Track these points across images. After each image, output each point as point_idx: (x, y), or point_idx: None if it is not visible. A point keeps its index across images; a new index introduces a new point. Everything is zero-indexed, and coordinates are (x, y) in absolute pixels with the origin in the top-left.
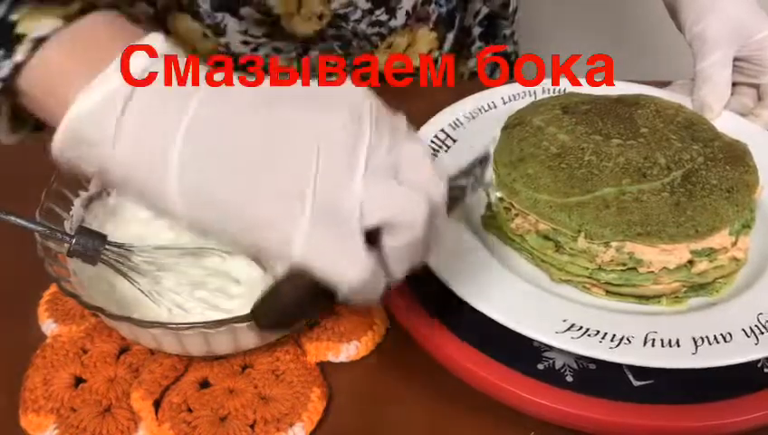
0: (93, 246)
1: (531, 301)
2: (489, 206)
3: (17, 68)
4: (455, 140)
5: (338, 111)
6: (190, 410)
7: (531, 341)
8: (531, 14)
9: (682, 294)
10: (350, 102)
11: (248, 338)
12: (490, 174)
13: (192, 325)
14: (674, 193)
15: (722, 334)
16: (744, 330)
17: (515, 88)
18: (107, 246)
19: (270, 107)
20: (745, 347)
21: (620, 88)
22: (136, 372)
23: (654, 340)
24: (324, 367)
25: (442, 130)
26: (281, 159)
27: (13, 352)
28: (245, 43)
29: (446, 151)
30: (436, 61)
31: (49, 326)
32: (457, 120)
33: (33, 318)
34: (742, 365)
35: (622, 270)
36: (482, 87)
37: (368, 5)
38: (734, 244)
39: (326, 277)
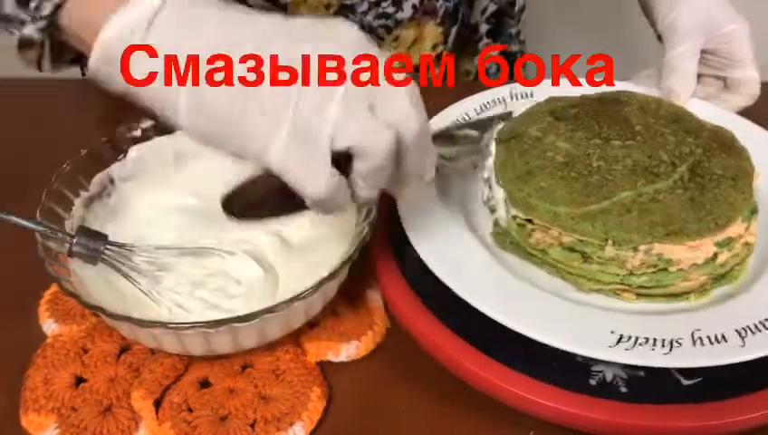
0: (94, 245)
1: (562, 313)
2: (497, 222)
3: (58, 6)
4: None
5: (326, 43)
6: (191, 410)
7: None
8: (535, 13)
9: (709, 286)
10: (341, 37)
11: (248, 338)
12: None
13: (192, 325)
14: (687, 189)
15: (761, 322)
16: None
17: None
18: (107, 246)
19: (273, 41)
20: None
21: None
22: (136, 371)
23: (701, 338)
24: (324, 367)
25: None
26: (268, 83)
27: (13, 352)
28: None
29: None
30: (439, 57)
31: (50, 326)
32: (457, 121)
33: (33, 318)
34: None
35: (653, 272)
36: (482, 87)
37: None
38: (747, 229)
39: (294, 186)
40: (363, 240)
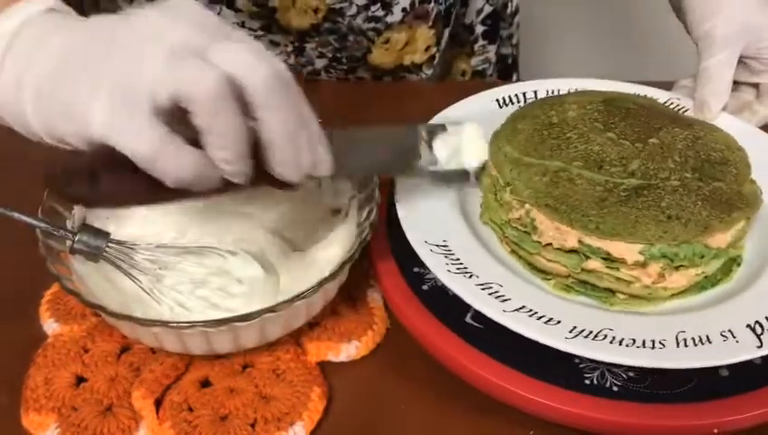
0: (96, 243)
1: (529, 300)
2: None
3: None
4: None
5: (151, 11)
6: (191, 410)
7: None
8: (535, 15)
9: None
10: (169, 6)
11: (249, 337)
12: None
13: (193, 324)
14: (610, 192)
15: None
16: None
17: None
18: (109, 244)
19: (101, 27)
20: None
21: (622, 87)
22: (137, 371)
23: (685, 340)
24: (324, 367)
25: None
26: (87, 54)
27: (14, 352)
28: None
29: None
30: (432, 58)
31: (50, 325)
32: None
33: (34, 317)
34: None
35: (521, 230)
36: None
37: (363, 1)
38: (644, 265)
39: (120, 149)
40: (363, 240)
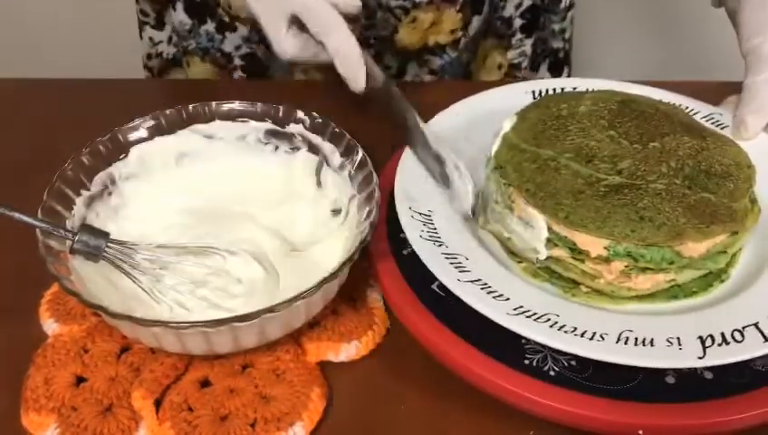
0: (96, 243)
1: (528, 300)
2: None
3: None
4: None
5: None
6: (191, 410)
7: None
8: (587, 11)
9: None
10: None
11: (249, 337)
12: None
13: (193, 324)
14: (591, 186)
15: (722, 334)
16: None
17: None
18: (109, 244)
19: None
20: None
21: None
22: (137, 371)
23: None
24: (324, 367)
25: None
26: None
27: (14, 352)
28: None
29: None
30: (456, 42)
31: (50, 326)
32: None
33: (34, 317)
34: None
35: (501, 212)
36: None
37: None
38: (607, 260)
39: None
40: (363, 240)
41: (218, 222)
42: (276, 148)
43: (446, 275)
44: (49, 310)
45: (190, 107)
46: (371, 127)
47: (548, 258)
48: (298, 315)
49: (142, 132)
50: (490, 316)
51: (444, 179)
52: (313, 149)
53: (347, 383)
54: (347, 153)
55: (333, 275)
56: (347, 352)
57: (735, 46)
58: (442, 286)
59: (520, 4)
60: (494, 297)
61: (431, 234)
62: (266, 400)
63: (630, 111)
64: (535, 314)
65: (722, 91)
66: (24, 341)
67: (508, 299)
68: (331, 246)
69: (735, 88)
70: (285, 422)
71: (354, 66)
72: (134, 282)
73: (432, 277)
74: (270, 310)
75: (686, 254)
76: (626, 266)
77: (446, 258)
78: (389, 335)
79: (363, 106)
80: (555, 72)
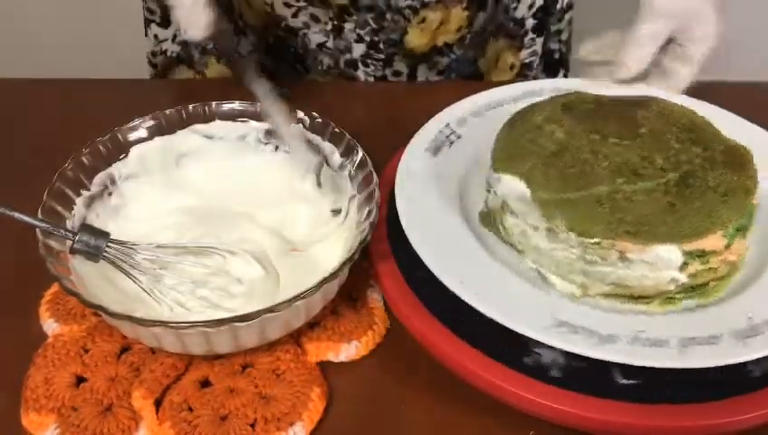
0: (96, 243)
1: (528, 300)
2: (486, 203)
3: None
4: (459, 136)
5: None
6: (191, 410)
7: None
8: (585, 13)
9: (674, 295)
10: None
11: (249, 337)
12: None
13: (193, 324)
14: (667, 193)
15: (712, 336)
16: (732, 332)
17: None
18: (109, 244)
19: None
20: (732, 350)
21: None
22: (137, 371)
23: (641, 339)
24: (324, 367)
25: (447, 126)
26: None
27: (14, 352)
28: (287, 5)
29: (449, 147)
30: (461, 39)
31: (50, 326)
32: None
33: (34, 317)
34: (729, 368)
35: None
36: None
37: None
38: (728, 247)
39: None
40: (363, 240)
41: (218, 222)
42: (276, 148)
43: (446, 275)
44: (49, 310)
45: (190, 107)
46: (371, 127)
47: (689, 277)
48: (298, 315)
49: (142, 132)
50: (491, 316)
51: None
52: (313, 149)
53: (347, 383)
54: (347, 153)
55: (333, 275)
56: (347, 352)
57: (733, 45)
58: (442, 286)
59: (532, 5)
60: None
61: (431, 234)
62: (266, 400)
63: (595, 111)
64: (537, 313)
65: (720, 91)
66: (24, 341)
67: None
68: (331, 246)
69: (733, 88)
70: (285, 422)
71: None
72: (134, 282)
73: (432, 277)
74: (270, 310)
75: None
76: (739, 239)
77: (447, 258)
78: (389, 335)
79: (363, 106)
80: (551, 73)
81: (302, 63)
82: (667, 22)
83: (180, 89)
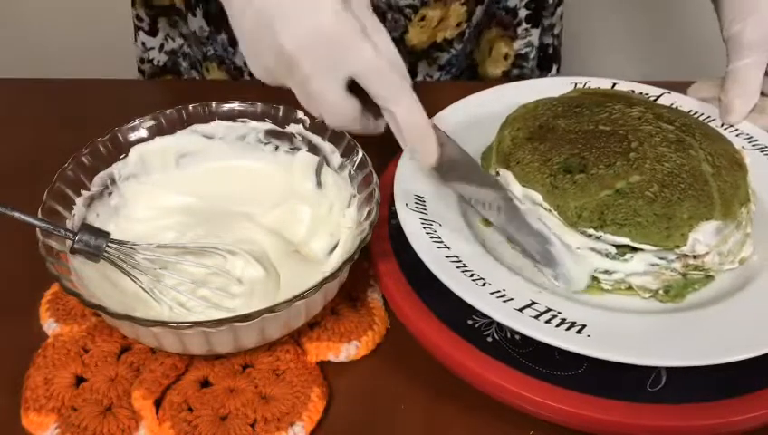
0: (96, 242)
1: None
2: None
3: None
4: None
5: None
6: (191, 410)
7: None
8: (578, 6)
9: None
10: None
11: (249, 337)
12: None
13: (193, 324)
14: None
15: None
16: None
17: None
18: (109, 244)
19: None
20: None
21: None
22: (137, 371)
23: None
24: (324, 367)
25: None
26: None
27: (14, 352)
28: None
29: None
30: (462, 34)
31: (50, 326)
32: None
33: (34, 317)
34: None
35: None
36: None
37: None
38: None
39: None
40: (363, 240)
41: (218, 222)
42: (276, 148)
43: (446, 274)
44: (49, 310)
45: (190, 107)
46: None
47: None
48: (298, 315)
49: (142, 132)
50: (491, 316)
51: (545, 258)
52: (313, 149)
53: (347, 383)
54: (347, 153)
55: (333, 275)
56: (347, 352)
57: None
58: (442, 286)
59: None
60: (496, 297)
61: (431, 234)
62: (266, 400)
63: (570, 110)
64: (539, 313)
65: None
66: (24, 341)
67: (512, 299)
68: (331, 246)
69: None
70: (285, 422)
71: (426, 137)
72: (134, 282)
73: (433, 277)
74: (270, 310)
75: None
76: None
77: (447, 258)
78: (389, 335)
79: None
80: (544, 68)
81: None
82: (762, 52)
83: (180, 89)
